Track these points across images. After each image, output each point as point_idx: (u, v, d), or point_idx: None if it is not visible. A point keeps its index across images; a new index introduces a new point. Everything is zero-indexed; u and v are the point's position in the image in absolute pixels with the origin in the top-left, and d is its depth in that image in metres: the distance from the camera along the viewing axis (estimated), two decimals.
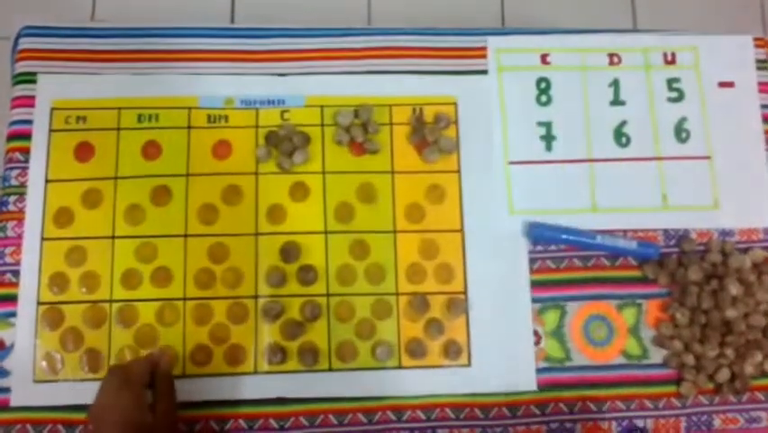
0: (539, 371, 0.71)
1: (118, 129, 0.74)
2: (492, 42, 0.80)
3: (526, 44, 0.80)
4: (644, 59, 0.80)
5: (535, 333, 0.72)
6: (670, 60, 0.80)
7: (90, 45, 0.77)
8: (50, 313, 0.69)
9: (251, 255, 0.72)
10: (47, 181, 0.72)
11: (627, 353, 0.72)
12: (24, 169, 0.73)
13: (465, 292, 0.73)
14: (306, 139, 0.74)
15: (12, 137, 0.74)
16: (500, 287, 0.73)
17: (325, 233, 0.73)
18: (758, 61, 0.81)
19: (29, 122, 0.74)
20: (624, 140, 0.78)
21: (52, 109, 0.74)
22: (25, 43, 0.76)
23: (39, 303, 0.70)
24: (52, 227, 0.71)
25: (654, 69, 0.80)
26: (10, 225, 0.71)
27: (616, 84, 0.79)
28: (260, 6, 1.41)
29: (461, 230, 0.74)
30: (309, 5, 1.34)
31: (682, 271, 0.73)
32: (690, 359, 0.71)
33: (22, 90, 0.75)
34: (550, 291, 0.73)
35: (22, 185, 0.72)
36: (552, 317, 0.73)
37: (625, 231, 0.75)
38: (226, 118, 0.75)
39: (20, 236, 0.71)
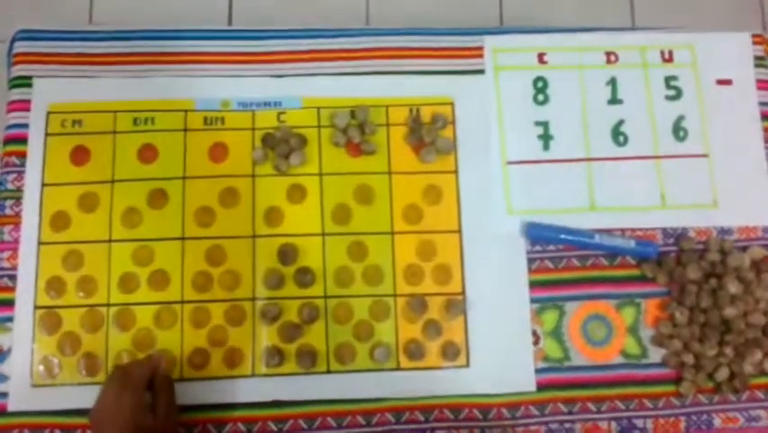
0: (538, 371, 0.71)
1: (114, 132, 0.74)
2: (489, 42, 0.79)
3: (523, 43, 0.80)
4: (642, 58, 0.80)
5: (534, 333, 0.72)
6: (667, 58, 0.80)
7: (85, 48, 0.76)
8: (48, 317, 0.69)
9: (249, 258, 0.71)
10: (43, 185, 0.72)
11: (626, 352, 0.72)
12: (21, 173, 0.73)
13: (463, 293, 0.72)
14: (303, 141, 0.74)
15: (8, 141, 0.74)
16: (499, 287, 0.73)
17: (323, 234, 0.73)
18: (756, 59, 0.81)
19: (25, 126, 0.74)
20: (622, 138, 0.78)
21: (48, 113, 0.74)
22: (21, 47, 0.76)
23: (36, 307, 0.69)
24: (49, 231, 0.71)
25: (652, 67, 0.80)
26: (6, 229, 0.71)
27: (613, 82, 0.79)
28: (259, 8, 1.41)
29: (459, 231, 0.74)
30: (308, 7, 1.34)
31: (681, 270, 0.73)
32: (689, 358, 0.71)
33: (17, 94, 0.75)
34: (548, 291, 0.73)
35: (19, 189, 0.72)
36: (550, 318, 0.73)
37: (623, 230, 0.75)
38: (223, 120, 0.75)
39: (17, 241, 0.71)
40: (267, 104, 0.76)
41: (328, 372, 0.70)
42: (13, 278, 0.70)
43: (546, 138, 0.77)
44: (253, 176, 0.73)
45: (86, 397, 0.64)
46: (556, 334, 0.72)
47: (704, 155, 0.78)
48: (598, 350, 0.72)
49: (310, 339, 0.70)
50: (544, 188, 0.76)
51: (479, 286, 0.72)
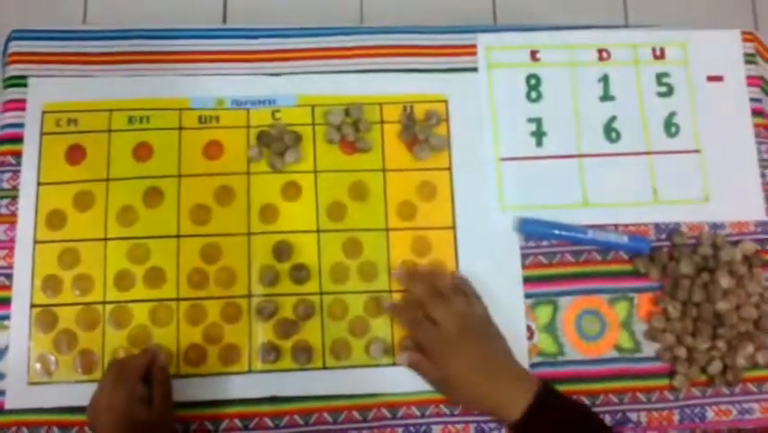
0: (532, 366, 0.72)
1: (109, 131, 0.74)
2: (482, 40, 0.80)
3: (516, 41, 0.80)
4: (634, 55, 0.81)
5: (528, 328, 0.73)
6: (659, 55, 0.81)
7: (80, 48, 0.77)
8: (44, 315, 0.69)
9: (244, 255, 0.72)
10: (39, 184, 0.72)
11: (620, 346, 0.73)
12: (16, 172, 0.73)
13: None
14: (298, 138, 0.74)
15: (3, 141, 0.74)
16: (493, 283, 0.73)
17: (318, 231, 0.73)
18: (746, 55, 0.81)
19: (20, 125, 0.74)
20: (614, 135, 0.78)
21: (43, 112, 0.74)
22: (15, 47, 0.76)
23: (32, 306, 0.70)
24: (45, 230, 0.71)
25: (643, 64, 0.80)
26: (2, 228, 0.71)
27: (605, 79, 0.80)
28: (253, 7, 1.41)
29: (454, 227, 0.74)
30: (301, 5, 1.34)
31: (674, 265, 0.73)
32: (682, 352, 0.71)
33: (12, 93, 0.75)
34: (542, 287, 0.74)
35: (14, 188, 0.72)
36: (544, 312, 0.73)
37: (616, 225, 0.75)
38: (217, 119, 0.75)
39: (12, 239, 0.71)
40: (261, 102, 0.76)
41: (324, 367, 0.70)
42: (9, 276, 0.70)
43: (539, 135, 0.78)
44: (248, 173, 0.74)
45: (82, 394, 0.64)
46: (550, 329, 0.73)
47: (696, 151, 0.78)
48: (591, 344, 0.73)
49: (306, 335, 0.71)
50: (538, 185, 0.76)
51: (473, 281, 0.73)
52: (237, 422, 0.69)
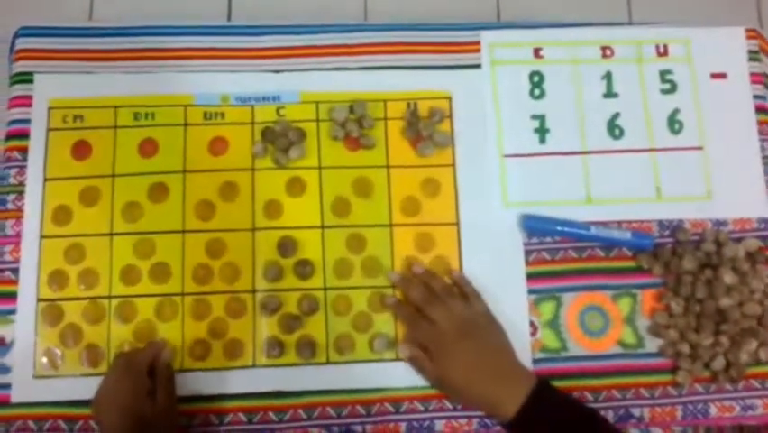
0: (535, 361, 0.72)
1: (115, 127, 0.75)
2: (485, 37, 0.80)
3: (519, 38, 0.80)
4: (637, 52, 0.81)
5: (531, 324, 0.73)
6: (662, 53, 0.81)
7: (86, 45, 0.77)
8: (50, 310, 0.70)
9: (249, 250, 0.72)
10: (45, 180, 0.73)
11: (623, 342, 0.73)
12: (22, 167, 0.73)
13: None
14: (302, 135, 0.75)
15: (10, 136, 0.74)
16: (496, 279, 0.73)
17: (322, 227, 0.73)
18: (750, 52, 0.81)
19: (26, 121, 0.75)
20: (617, 132, 0.78)
21: (49, 108, 0.75)
22: (22, 43, 0.77)
23: (38, 300, 0.70)
24: (51, 225, 0.72)
25: (647, 61, 0.81)
26: (9, 223, 0.72)
27: (608, 76, 0.80)
28: (257, 5, 1.41)
29: (457, 223, 0.75)
30: (305, 2, 1.34)
31: (677, 261, 0.73)
32: (685, 348, 0.71)
33: (19, 90, 0.76)
34: (545, 283, 0.74)
35: (21, 183, 0.73)
36: (547, 308, 0.73)
37: (619, 222, 0.76)
38: (222, 115, 0.76)
39: (19, 234, 0.72)
40: (266, 98, 0.76)
41: (328, 362, 0.71)
42: (15, 271, 0.71)
43: (543, 131, 0.78)
44: (253, 169, 0.74)
45: (88, 388, 0.65)
46: (553, 324, 0.73)
47: (699, 148, 0.78)
48: (594, 340, 0.73)
49: (310, 330, 0.71)
50: (541, 181, 0.76)
51: (476, 278, 0.73)
52: (241, 416, 0.69)
